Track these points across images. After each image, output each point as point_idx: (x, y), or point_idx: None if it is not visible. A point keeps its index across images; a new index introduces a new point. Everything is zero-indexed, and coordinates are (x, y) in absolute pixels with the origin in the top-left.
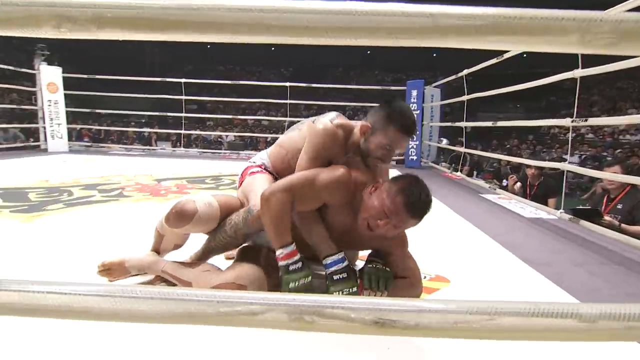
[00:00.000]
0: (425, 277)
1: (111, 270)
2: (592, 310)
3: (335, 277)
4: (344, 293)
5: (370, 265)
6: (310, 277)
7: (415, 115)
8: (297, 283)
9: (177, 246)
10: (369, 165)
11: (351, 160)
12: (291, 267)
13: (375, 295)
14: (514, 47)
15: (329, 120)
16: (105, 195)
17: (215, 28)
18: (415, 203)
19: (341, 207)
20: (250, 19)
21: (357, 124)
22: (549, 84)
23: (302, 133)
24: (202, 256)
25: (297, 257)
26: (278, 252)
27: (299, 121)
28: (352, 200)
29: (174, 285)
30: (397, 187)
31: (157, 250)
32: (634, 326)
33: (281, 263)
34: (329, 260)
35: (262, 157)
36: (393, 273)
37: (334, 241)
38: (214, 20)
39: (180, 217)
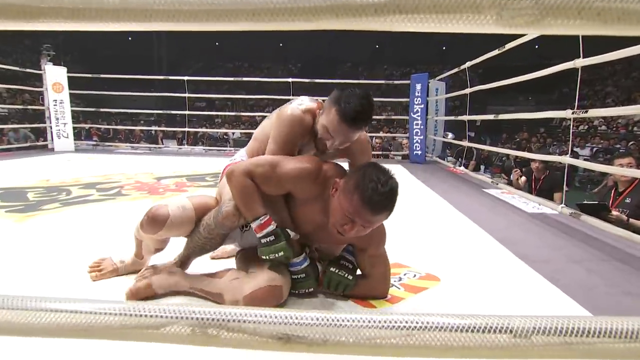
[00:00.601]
0: (414, 276)
1: (138, 294)
2: (526, 324)
3: (293, 277)
4: (301, 292)
5: (333, 269)
6: (283, 252)
7: (368, 107)
8: (269, 256)
9: (158, 250)
10: (319, 148)
11: (307, 144)
12: (263, 240)
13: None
14: (422, 28)
15: (297, 105)
16: (103, 194)
17: (69, 14)
18: (374, 198)
19: (311, 202)
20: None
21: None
22: (561, 75)
23: (272, 121)
24: (184, 259)
25: (270, 228)
26: (253, 225)
27: None
28: (322, 194)
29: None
30: (352, 184)
31: (140, 256)
32: (573, 342)
33: (257, 235)
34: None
35: (242, 154)
36: (360, 268)
37: (308, 238)
38: (70, 6)
39: (153, 223)
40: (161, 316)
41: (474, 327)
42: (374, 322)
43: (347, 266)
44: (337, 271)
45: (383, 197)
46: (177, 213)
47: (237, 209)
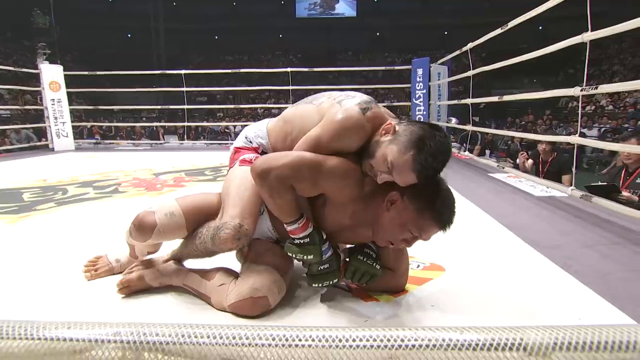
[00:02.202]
0: (418, 267)
1: (131, 287)
2: (544, 338)
3: (315, 269)
4: (324, 285)
5: (360, 258)
6: (313, 256)
7: (442, 165)
8: (296, 256)
9: (151, 252)
10: (361, 167)
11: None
12: (297, 241)
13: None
14: None
15: (359, 107)
16: (99, 192)
17: None
18: (446, 216)
19: (344, 204)
20: None
21: (389, 118)
22: (566, 56)
23: (321, 110)
24: (177, 259)
25: (308, 231)
26: (288, 228)
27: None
28: (357, 198)
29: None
30: (423, 203)
31: (135, 256)
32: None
33: (292, 236)
34: None
35: (260, 133)
36: (383, 263)
37: (329, 237)
38: None
39: (140, 231)
40: (79, 339)
41: (477, 344)
42: (347, 339)
43: (372, 255)
44: (364, 259)
45: (454, 215)
46: (164, 221)
47: (238, 234)
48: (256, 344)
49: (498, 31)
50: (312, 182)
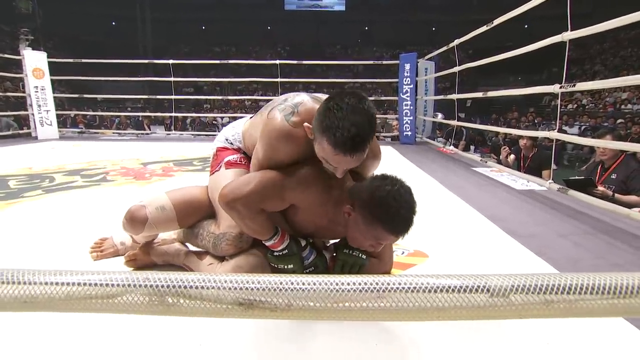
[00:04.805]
0: (402, 253)
1: (137, 261)
2: (504, 283)
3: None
4: None
5: (346, 251)
6: (293, 265)
7: (365, 125)
8: (277, 265)
9: (151, 240)
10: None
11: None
12: (275, 253)
13: None
14: None
15: (284, 115)
16: (87, 180)
17: None
18: (401, 225)
19: (315, 208)
20: None
21: None
22: (551, 55)
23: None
24: (182, 241)
25: (285, 243)
26: (266, 244)
27: None
28: (327, 200)
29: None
30: (372, 216)
31: (137, 242)
32: (553, 300)
33: (273, 250)
34: None
35: (238, 137)
36: (369, 252)
37: (310, 235)
38: None
39: (132, 225)
40: (113, 284)
41: (450, 288)
42: (342, 284)
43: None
44: (350, 252)
45: (409, 220)
46: (155, 215)
47: (239, 243)
48: (266, 288)
49: (483, 28)
50: (279, 199)
